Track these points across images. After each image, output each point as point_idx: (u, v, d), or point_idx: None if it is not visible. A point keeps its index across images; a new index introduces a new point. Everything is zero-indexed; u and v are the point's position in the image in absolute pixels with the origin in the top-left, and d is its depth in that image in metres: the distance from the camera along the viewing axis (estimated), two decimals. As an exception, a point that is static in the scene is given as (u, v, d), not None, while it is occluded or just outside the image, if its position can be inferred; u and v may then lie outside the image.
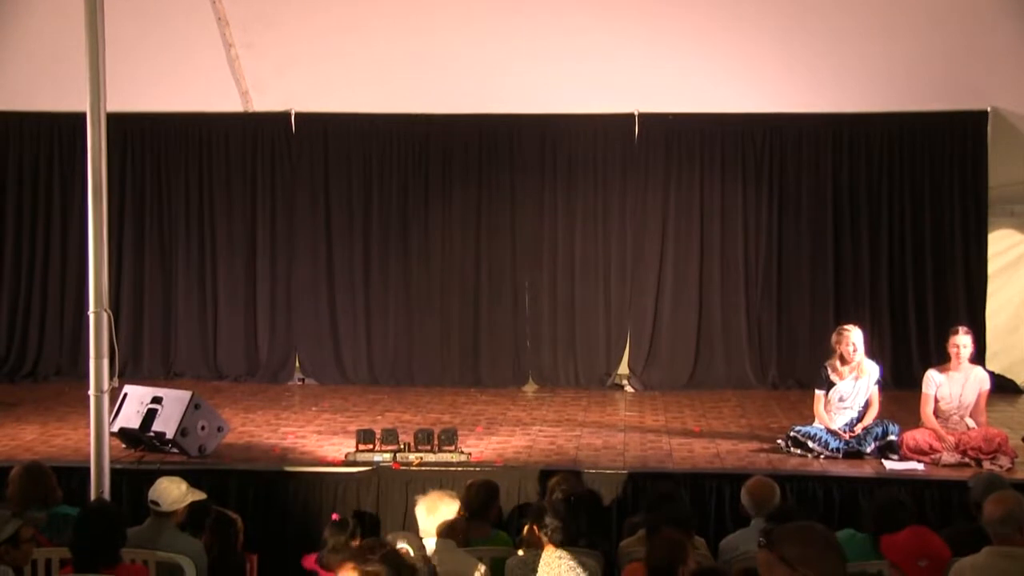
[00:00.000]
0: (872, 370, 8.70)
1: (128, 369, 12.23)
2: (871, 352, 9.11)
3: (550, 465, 8.28)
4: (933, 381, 8.54)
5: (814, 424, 8.71)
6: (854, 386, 8.66)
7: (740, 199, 12.39)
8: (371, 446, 8.33)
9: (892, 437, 8.47)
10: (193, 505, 6.27)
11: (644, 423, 10.23)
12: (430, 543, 5.85)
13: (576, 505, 6.34)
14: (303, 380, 12.62)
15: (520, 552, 5.77)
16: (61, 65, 10.13)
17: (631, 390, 12.20)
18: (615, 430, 9.81)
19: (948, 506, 7.61)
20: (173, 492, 6.15)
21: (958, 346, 8.46)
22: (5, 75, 11.97)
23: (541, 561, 5.52)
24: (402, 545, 5.61)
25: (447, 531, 5.90)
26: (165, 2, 11.34)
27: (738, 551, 6.17)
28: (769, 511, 6.24)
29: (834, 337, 8.75)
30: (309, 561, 6.25)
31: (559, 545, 5.65)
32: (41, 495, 6.50)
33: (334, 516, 6.78)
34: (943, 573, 4.85)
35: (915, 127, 12.17)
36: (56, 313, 12.78)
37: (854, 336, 8.61)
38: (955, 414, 8.51)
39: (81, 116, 6.77)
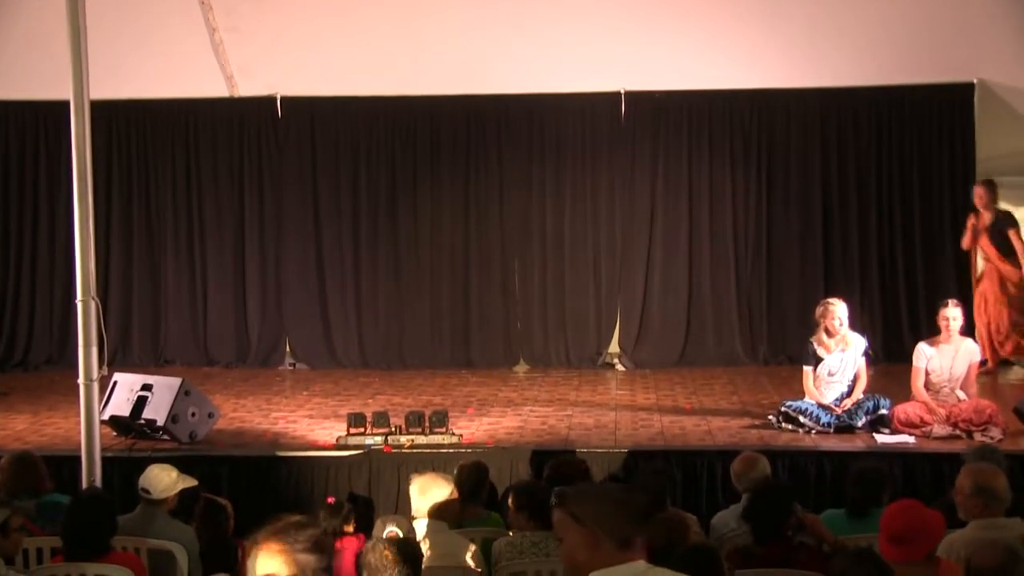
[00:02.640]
0: (858, 342, 8.71)
1: (118, 357, 12.12)
2: (861, 327, 9.12)
3: (541, 445, 8.30)
4: (923, 354, 8.55)
5: (805, 399, 8.73)
6: (841, 359, 8.67)
7: (728, 175, 12.34)
8: (362, 429, 8.33)
9: (883, 411, 8.50)
10: (184, 492, 6.27)
11: (635, 402, 10.24)
12: (422, 525, 5.85)
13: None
14: (294, 365, 12.59)
15: (511, 533, 5.77)
16: (44, 53, 10.09)
17: (622, 369, 12.20)
18: (606, 409, 9.82)
19: (940, 478, 7.62)
20: (164, 479, 6.14)
21: (948, 318, 8.47)
22: (-12, 63, 11.91)
23: (529, 542, 5.52)
24: (392, 528, 5.63)
25: (439, 513, 5.90)
26: (147, -12, 11.30)
27: (729, 527, 6.18)
28: (752, 484, 6.22)
29: (819, 311, 8.75)
30: None
31: (545, 526, 5.64)
32: (30, 484, 6.52)
33: (330, 500, 6.79)
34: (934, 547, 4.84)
35: (902, 100, 12.13)
36: (45, 302, 12.73)
37: (839, 310, 8.63)
38: (946, 386, 8.52)
39: (65, 104, 6.78)
